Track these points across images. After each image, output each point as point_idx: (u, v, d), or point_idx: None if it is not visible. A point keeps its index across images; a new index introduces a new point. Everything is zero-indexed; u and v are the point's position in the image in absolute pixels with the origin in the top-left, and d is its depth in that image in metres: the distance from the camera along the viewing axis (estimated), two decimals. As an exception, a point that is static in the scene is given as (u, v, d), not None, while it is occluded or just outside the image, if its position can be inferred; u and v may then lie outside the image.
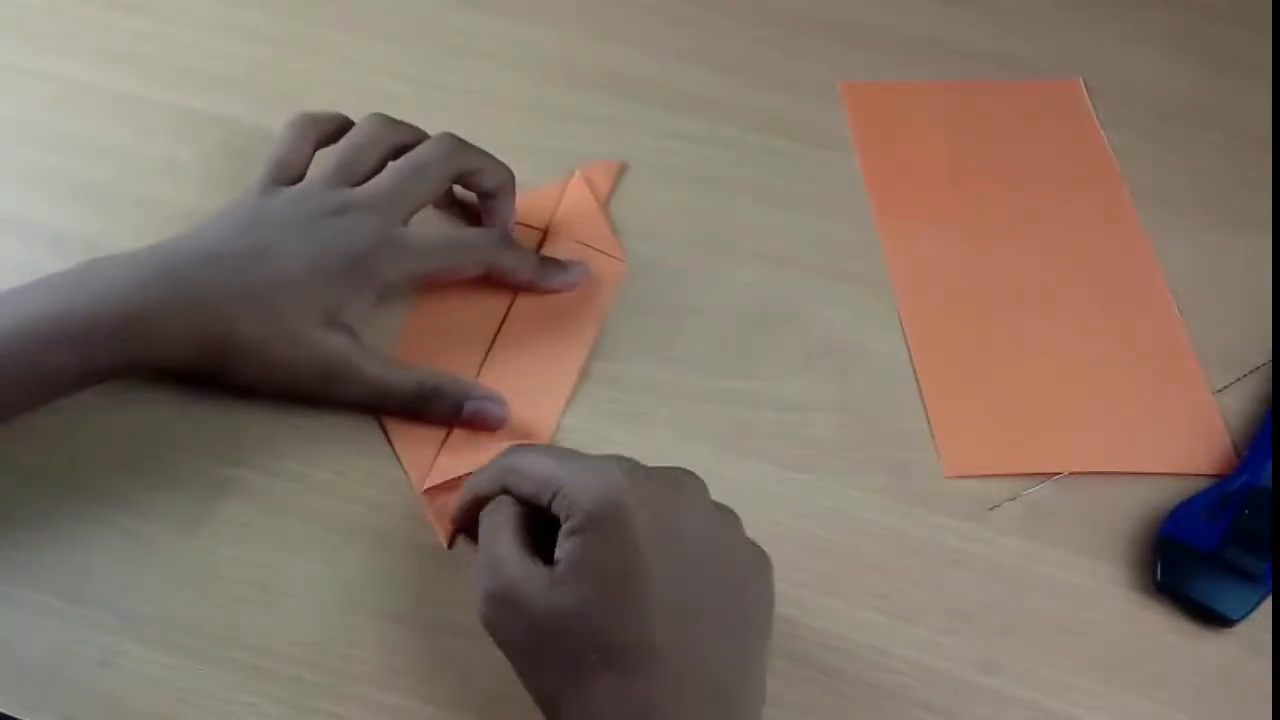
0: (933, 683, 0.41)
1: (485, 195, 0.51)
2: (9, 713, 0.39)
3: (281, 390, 0.45)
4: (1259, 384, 0.50)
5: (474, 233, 0.51)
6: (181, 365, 0.45)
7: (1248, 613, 0.43)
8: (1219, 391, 0.50)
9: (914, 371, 0.50)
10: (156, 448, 0.45)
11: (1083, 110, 0.61)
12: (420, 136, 0.50)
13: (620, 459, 0.38)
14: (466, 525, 0.42)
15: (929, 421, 0.48)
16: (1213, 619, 0.43)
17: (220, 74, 0.59)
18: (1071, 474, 0.47)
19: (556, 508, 0.37)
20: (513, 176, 0.51)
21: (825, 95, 0.61)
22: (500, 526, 0.38)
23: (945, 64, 0.63)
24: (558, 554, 0.36)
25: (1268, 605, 0.44)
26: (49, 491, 0.44)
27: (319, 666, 0.40)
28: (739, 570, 0.38)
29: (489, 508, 0.40)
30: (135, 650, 0.40)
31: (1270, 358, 0.51)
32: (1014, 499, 0.46)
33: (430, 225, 0.52)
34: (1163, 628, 0.43)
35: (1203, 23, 0.66)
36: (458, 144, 0.49)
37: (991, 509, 0.46)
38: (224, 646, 0.41)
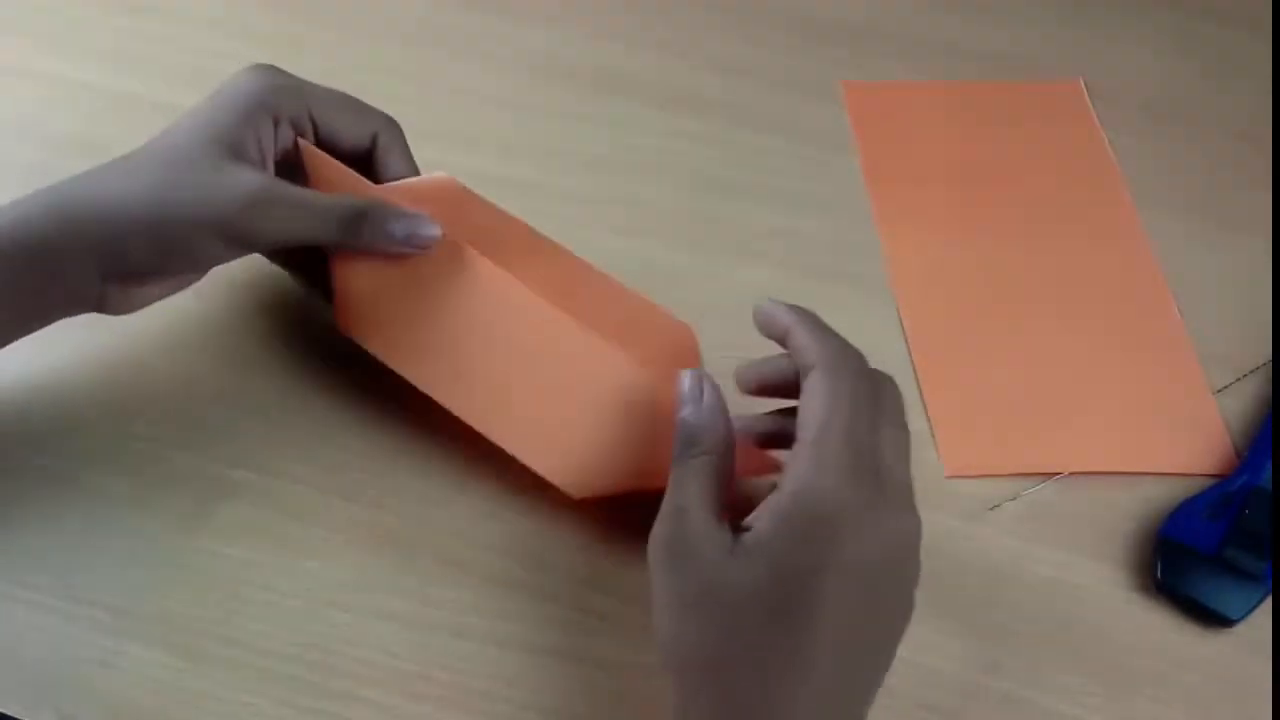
0: (933, 683, 0.41)
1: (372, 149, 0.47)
2: (9, 713, 0.39)
3: (213, 240, 0.41)
4: (1259, 384, 0.50)
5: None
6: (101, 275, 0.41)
7: (1248, 613, 0.43)
8: (1219, 391, 0.50)
9: (914, 371, 0.50)
10: (156, 447, 0.45)
11: (1083, 110, 0.61)
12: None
13: (877, 485, 0.36)
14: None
15: (929, 421, 0.48)
16: (1213, 619, 0.43)
17: (220, 74, 0.59)
18: (1071, 474, 0.47)
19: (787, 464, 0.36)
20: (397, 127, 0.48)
21: (825, 95, 0.61)
22: (694, 474, 0.37)
23: (945, 64, 0.63)
24: (754, 520, 0.35)
25: (1268, 605, 0.44)
26: (49, 491, 0.44)
27: (319, 666, 0.40)
28: (898, 611, 0.37)
29: (687, 456, 0.37)
30: (135, 650, 0.40)
31: (1270, 358, 0.51)
32: (1014, 499, 0.46)
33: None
34: (1163, 628, 0.43)
35: (1203, 23, 0.66)
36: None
37: (991, 509, 0.46)
38: (224, 646, 0.41)
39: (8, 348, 0.42)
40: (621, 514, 0.45)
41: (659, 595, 0.36)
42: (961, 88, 0.62)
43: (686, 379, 0.39)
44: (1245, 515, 0.45)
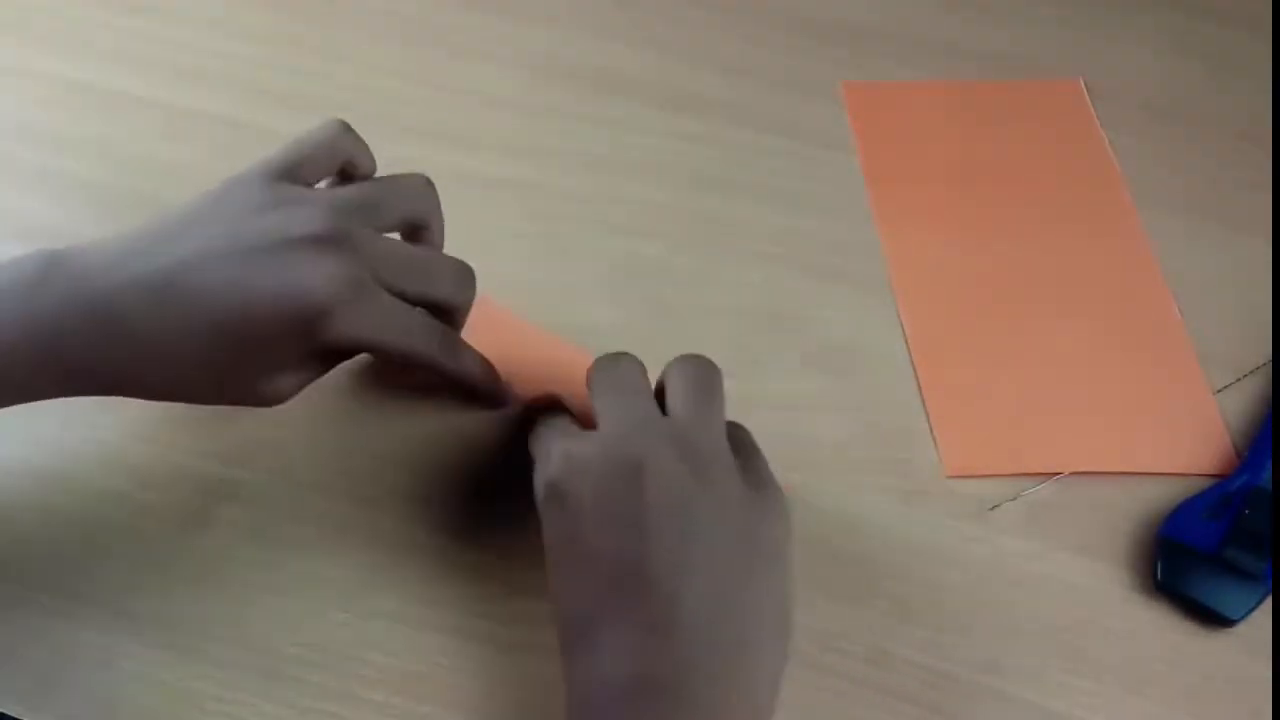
0: (933, 683, 0.41)
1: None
2: (9, 713, 0.39)
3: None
4: (1259, 384, 0.50)
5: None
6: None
7: (1248, 613, 0.43)
8: (1219, 391, 0.50)
9: (914, 371, 0.50)
10: (156, 448, 0.45)
11: (1083, 110, 0.61)
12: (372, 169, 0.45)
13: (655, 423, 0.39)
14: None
15: (929, 421, 0.48)
16: (1213, 619, 0.43)
17: (220, 74, 0.59)
18: (1072, 474, 0.47)
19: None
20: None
21: (825, 95, 0.61)
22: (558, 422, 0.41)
23: (945, 64, 0.63)
24: None
25: (1268, 605, 0.44)
26: (49, 491, 0.44)
27: (319, 666, 0.40)
28: (761, 553, 0.37)
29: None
30: (135, 650, 0.40)
31: (1270, 358, 0.51)
32: (1014, 499, 0.46)
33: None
34: (1163, 628, 0.43)
35: (1203, 23, 0.66)
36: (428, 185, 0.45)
37: (991, 509, 0.46)
38: (224, 646, 0.41)
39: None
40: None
41: (549, 552, 0.38)
42: (961, 88, 0.62)
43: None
44: (1245, 515, 0.45)
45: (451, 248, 0.52)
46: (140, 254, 0.38)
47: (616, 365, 0.41)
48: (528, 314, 0.50)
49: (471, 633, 0.41)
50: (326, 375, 0.47)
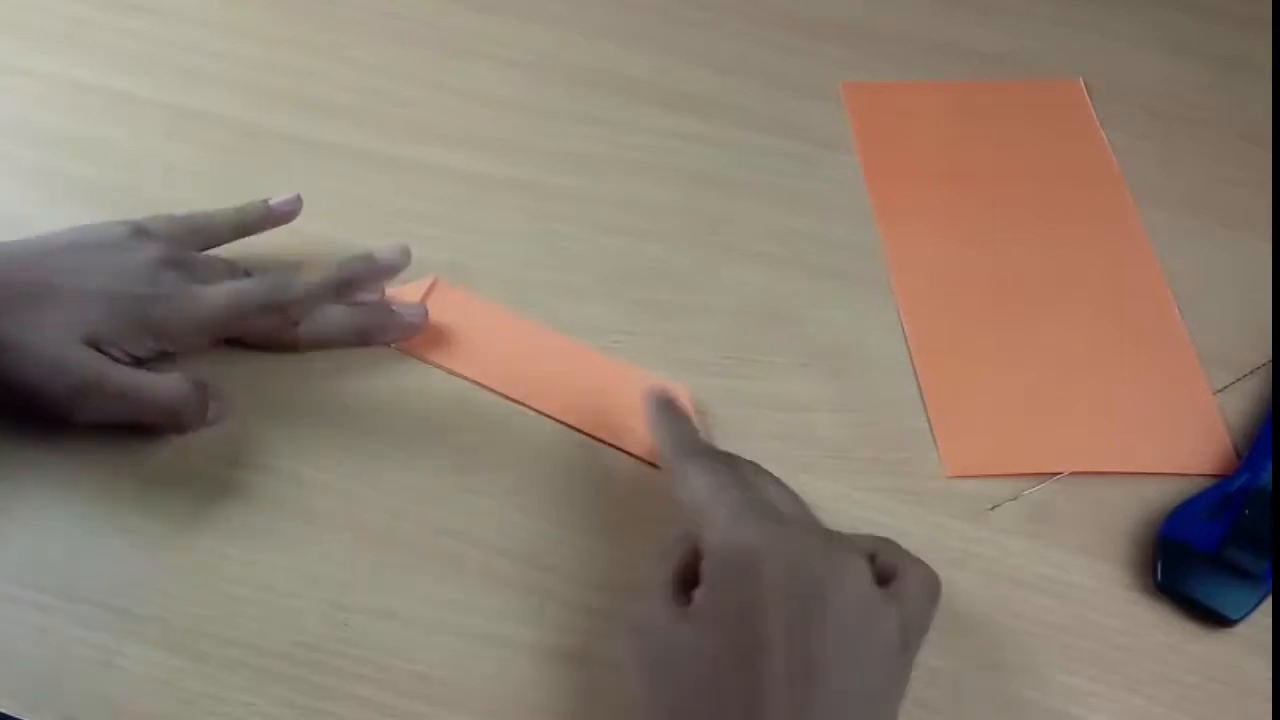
0: (933, 683, 0.41)
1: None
2: (9, 713, 0.39)
3: (23, 405, 0.43)
4: (1259, 384, 0.50)
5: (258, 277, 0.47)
6: None
7: (1248, 613, 0.43)
8: (1219, 391, 0.50)
9: (914, 371, 0.50)
10: (157, 448, 0.45)
11: (1083, 110, 0.61)
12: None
13: (778, 517, 0.38)
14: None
15: (929, 421, 0.48)
16: (1213, 619, 0.43)
17: (220, 74, 0.59)
18: (1072, 474, 0.47)
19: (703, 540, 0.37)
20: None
21: (825, 95, 0.61)
22: (672, 550, 0.38)
23: (945, 64, 0.63)
24: (697, 595, 0.36)
25: (1268, 605, 0.44)
26: (49, 491, 0.44)
27: (319, 666, 0.40)
28: (877, 656, 0.35)
29: (679, 534, 0.39)
30: (135, 650, 0.40)
31: (1270, 358, 0.51)
32: (1014, 499, 0.46)
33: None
34: (1163, 628, 0.43)
35: (1203, 23, 0.66)
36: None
37: (991, 509, 0.46)
38: (224, 646, 0.41)
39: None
40: (621, 514, 0.45)
41: (628, 665, 0.37)
42: (961, 88, 0.62)
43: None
44: (1245, 515, 0.45)
45: (452, 247, 0.53)
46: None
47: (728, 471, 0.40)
48: (528, 314, 0.50)
49: (472, 633, 0.41)
50: (326, 376, 0.47)
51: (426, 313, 0.49)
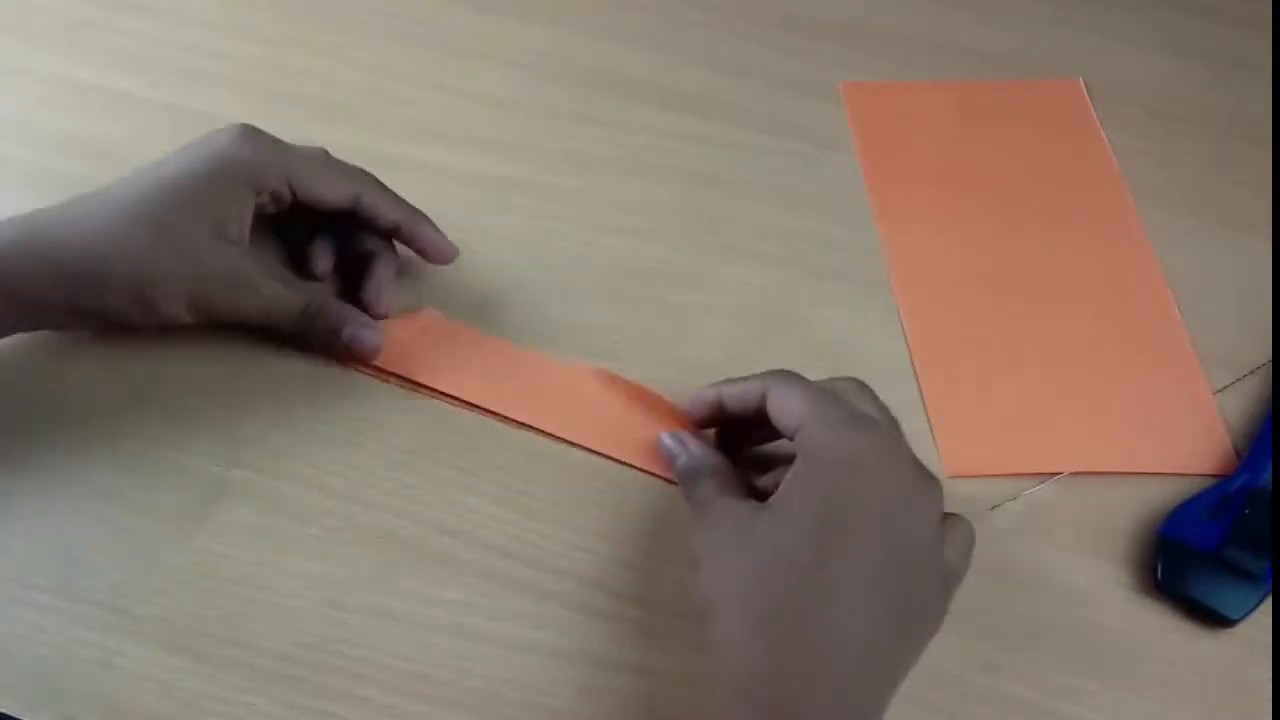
0: (933, 683, 0.41)
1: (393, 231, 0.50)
2: (9, 713, 0.39)
3: (184, 308, 0.45)
4: (1259, 384, 0.50)
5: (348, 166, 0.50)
6: (69, 319, 0.45)
7: (1248, 613, 0.43)
8: (1219, 391, 0.50)
9: (914, 371, 0.50)
10: (156, 448, 0.45)
11: (1083, 110, 0.61)
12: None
13: (877, 427, 0.39)
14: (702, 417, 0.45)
15: (929, 421, 0.48)
16: (1213, 619, 0.43)
17: (220, 74, 0.59)
18: (1072, 474, 0.47)
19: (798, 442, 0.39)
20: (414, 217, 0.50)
21: (825, 95, 0.61)
22: (709, 493, 0.41)
23: (945, 64, 0.63)
24: (776, 493, 0.38)
25: (1268, 605, 0.44)
26: (49, 491, 0.44)
27: (319, 666, 0.40)
28: (928, 585, 0.38)
29: (694, 489, 0.41)
30: (135, 650, 0.40)
31: (1270, 358, 0.51)
32: (1014, 499, 0.46)
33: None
34: (1163, 628, 0.43)
35: (1203, 23, 0.66)
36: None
37: (991, 509, 0.46)
38: (224, 646, 0.41)
39: (6, 344, 0.42)
40: (621, 514, 0.45)
41: (700, 551, 0.39)
42: (961, 88, 0.62)
43: (666, 439, 0.44)
44: (1245, 515, 0.45)
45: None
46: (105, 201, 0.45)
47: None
48: (528, 314, 0.51)
49: (472, 633, 0.41)
50: (326, 377, 0.47)
51: (379, 343, 0.47)
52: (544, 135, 0.58)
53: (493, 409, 0.47)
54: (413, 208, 0.50)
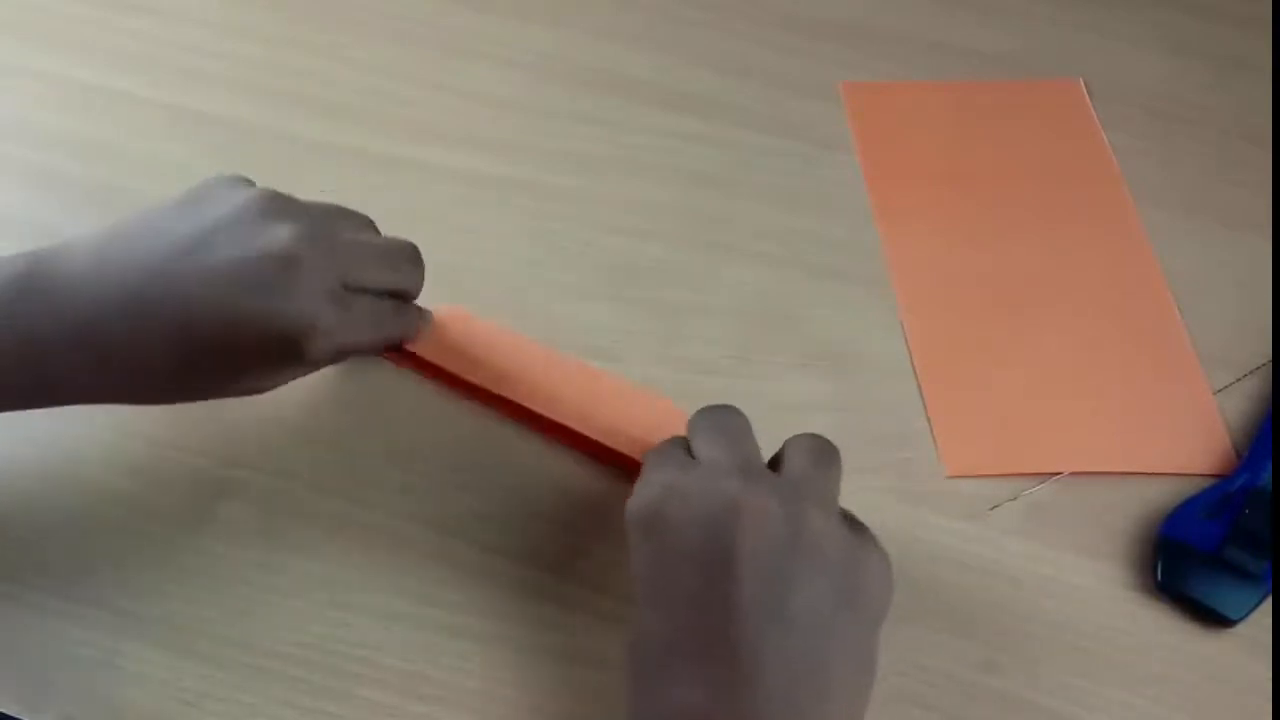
0: (933, 683, 0.41)
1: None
2: (9, 713, 0.39)
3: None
4: (1259, 384, 0.50)
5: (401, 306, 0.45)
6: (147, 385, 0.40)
7: (1248, 613, 0.43)
8: (1219, 391, 0.50)
9: (914, 371, 0.50)
10: (156, 448, 0.45)
11: (1083, 110, 0.61)
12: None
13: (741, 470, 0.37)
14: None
15: (929, 421, 0.48)
16: (1213, 619, 0.43)
17: (220, 74, 0.59)
18: (1071, 474, 0.47)
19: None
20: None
21: (825, 95, 0.61)
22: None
23: (945, 64, 0.63)
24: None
25: (1268, 605, 0.44)
26: (49, 491, 0.44)
27: (319, 666, 0.40)
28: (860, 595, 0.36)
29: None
30: (135, 650, 0.40)
31: (1270, 358, 0.51)
32: (1014, 499, 0.46)
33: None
34: (1163, 628, 0.43)
35: (1203, 23, 0.66)
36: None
37: (991, 509, 0.46)
38: (224, 646, 0.41)
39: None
40: (621, 514, 0.45)
41: (644, 567, 0.37)
42: (961, 88, 0.62)
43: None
44: (1245, 515, 0.45)
45: (452, 247, 0.52)
46: (115, 262, 0.38)
47: (723, 411, 0.41)
48: (527, 314, 0.50)
49: (472, 633, 0.41)
50: (326, 376, 0.47)
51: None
52: (544, 135, 0.58)
53: (514, 399, 0.46)
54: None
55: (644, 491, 0.38)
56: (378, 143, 0.57)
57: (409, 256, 0.44)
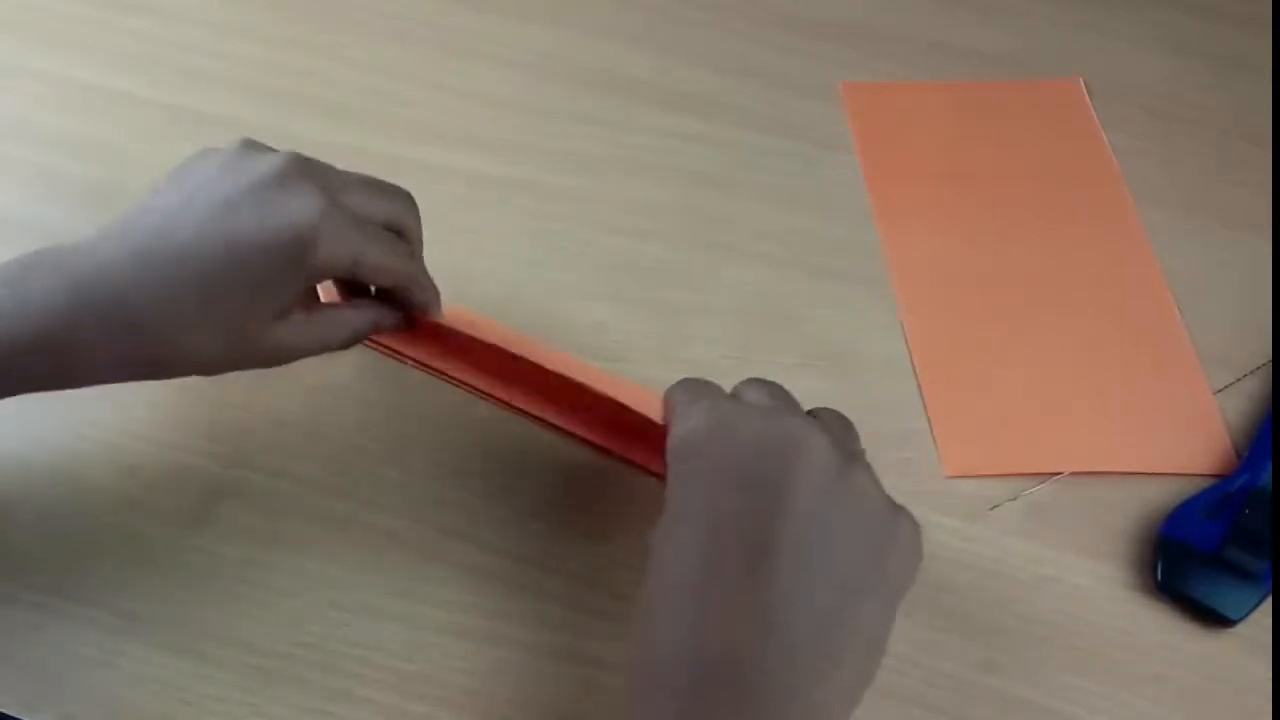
0: (933, 683, 0.41)
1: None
2: (9, 713, 0.39)
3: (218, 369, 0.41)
4: (1259, 384, 0.50)
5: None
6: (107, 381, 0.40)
7: (1248, 613, 0.43)
8: (1219, 391, 0.50)
9: (914, 371, 0.50)
10: (156, 448, 0.45)
11: (1083, 110, 0.61)
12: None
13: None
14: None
15: (929, 421, 0.48)
16: (1213, 619, 0.43)
17: (220, 74, 0.59)
18: (1071, 474, 0.47)
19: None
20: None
21: (825, 95, 0.61)
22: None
23: (945, 64, 0.63)
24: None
25: (1268, 605, 0.44)
26: (49, 491, 0.44)
27: (319, 666, 0.40)
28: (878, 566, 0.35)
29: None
30: (135, 650, 0.40)
31: (1270, 358, 0.51)
32: (1014, 499, 0.46)
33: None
34: (1163, 628, 0.43)
35: (1203, 23, 0.66)
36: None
37: (991, 509, 0.46)
38: (224, 646, 0.41)
39: None
40: (621, 514, 0.45)
41: (689, 475, 0.36)
42: (961, 88, 0.62)
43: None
44: (1245, 515, 0.45)
45: (452, 247, 0.52)
46: (118, 232, 0.39)
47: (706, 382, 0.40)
48: (528, 314, 0.50)
49: (472, 633, 0.41)
50: (326, 376, 0.47)
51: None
52: (544, 135, 0.58)
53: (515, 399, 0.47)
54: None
55: (692, 416, 0.36)
56: (378, 143, 0.57)
57: (403, 196, 0.44)
